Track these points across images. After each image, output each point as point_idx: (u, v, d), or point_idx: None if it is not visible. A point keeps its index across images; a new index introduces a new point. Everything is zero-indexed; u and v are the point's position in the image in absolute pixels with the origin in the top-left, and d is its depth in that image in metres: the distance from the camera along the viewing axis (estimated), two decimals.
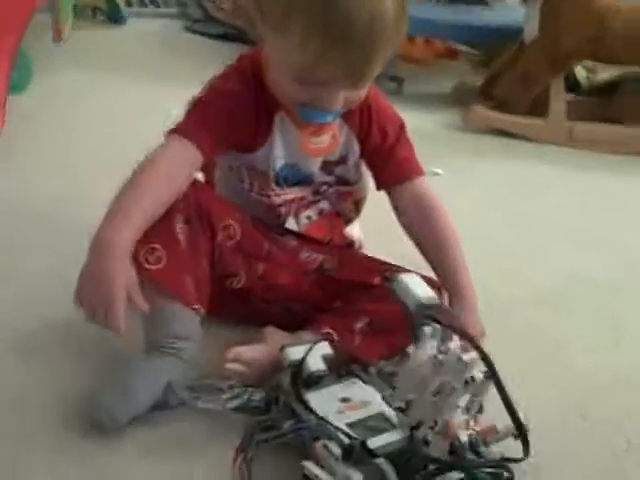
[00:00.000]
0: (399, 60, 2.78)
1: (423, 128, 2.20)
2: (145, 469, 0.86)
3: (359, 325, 1.04)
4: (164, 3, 3.18)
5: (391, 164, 1.12)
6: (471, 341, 0.79)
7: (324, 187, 1.13)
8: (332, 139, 1.04)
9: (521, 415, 0.80)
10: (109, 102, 2.08)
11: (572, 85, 2.42)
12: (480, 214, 1.67)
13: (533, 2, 2.17)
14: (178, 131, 0.99)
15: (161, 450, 0.89)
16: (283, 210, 1.11)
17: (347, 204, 1.18)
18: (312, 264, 1.12)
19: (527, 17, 2.21)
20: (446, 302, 1.07)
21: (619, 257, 1.55)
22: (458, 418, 0.78)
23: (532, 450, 0.82)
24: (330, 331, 1.02)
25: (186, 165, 0.98)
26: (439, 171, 1.83)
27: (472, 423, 0.80)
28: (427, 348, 0.82)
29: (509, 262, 1.47)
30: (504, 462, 0.80)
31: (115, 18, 2.92)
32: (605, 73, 2.46)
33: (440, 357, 0.79)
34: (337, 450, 0.79)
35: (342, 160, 1.12)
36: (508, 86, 2.24)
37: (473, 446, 0.78)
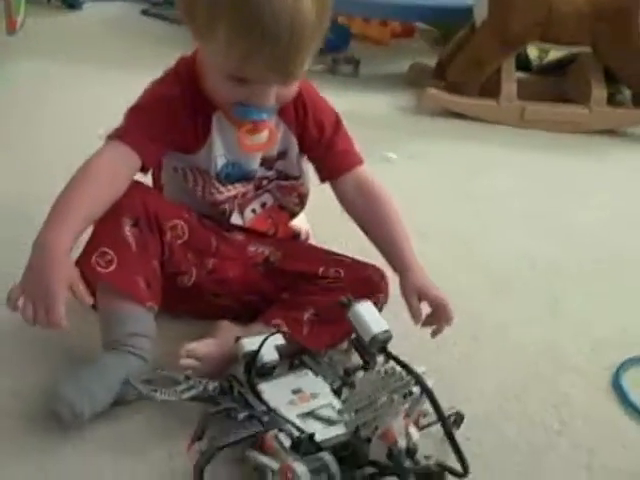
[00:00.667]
0: (355, 41, 2.83)
1: (378, 112, 2.25)
2: (106, 463, 0.91)
3: (306, 316, 1.09)
4: None
5: (331, 156, 1.16)
6: (414, 375, 0.87)
7: (265, 182, 1.17)
8: (270, 136, 1.07)
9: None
10: (68, 93, 2.08)
11: (524, 64, 2.48)
12: (432, 197, 1.72)
13: None
14: (116, 136, 1.03)
15: (120, 445, 0.93)
16: (227, 206, 1.15)
17: (291, 198, 1.22)
18: (259, 257, 1.17)
19: None
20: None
21: (565, 237, 1.62)
22: (398, 423, 0.84)
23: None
24: (279, 322, 1.08)
25: (124, 168, 1.02)
26: (393, 156, 1.89)
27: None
28: (376, 371, 0.89)
29: (460, 245, 1.53)
30: (446, 470, 0.86)
31: (70, 3, 2.90)
32: (557, 52, 2.52)
33: (387, 377, 0.86)
34: (287, 441, 0.85)
35: (282, 155, 1.16)
36: (460, 68, 2.28)
37: (410, 453, 0.83)
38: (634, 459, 1.02)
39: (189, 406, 0.96)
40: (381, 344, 0.94)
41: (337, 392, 0.97)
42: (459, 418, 0.96)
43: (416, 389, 0.85)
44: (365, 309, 0.98)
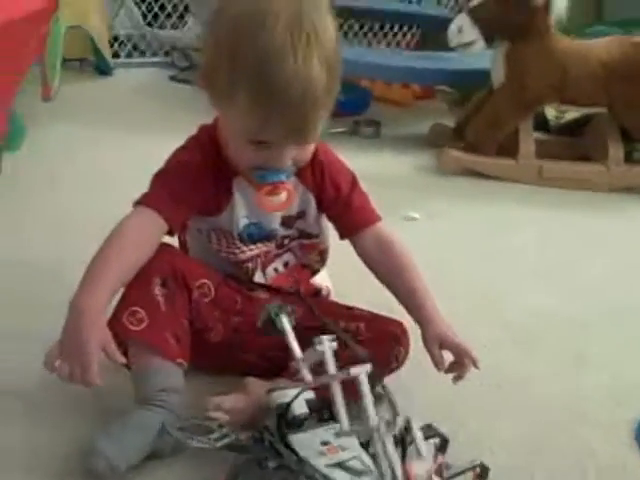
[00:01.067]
0: (377, 103, 2.91)
1: (399, 172, 2.32)
2: None
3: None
4: (150, 52, 3.29)
5: (349, 214, 1.21)
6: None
7: (287, 240, 1.23)
8: (288, 196, 1.12)
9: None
10: (102, 157, 2.16)
11: (542, 125, 2.54)
12: (454, 255, 1.76)
13: (498, 49, 2.29)
14: (143, 202, 1.09)
15: None
16: (250, 265, 1.20)
17: (312, 256, 1.27)
18: None
19: (493, 63, 2.33)
20: None
21: (584, 291, 1.65)
22: (419, 469, 0.87)
23: None
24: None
25: (152, 233, 1.08)
26: (416, 215, 1.94)
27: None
28: None
29: (481, 301, 1.56)
30: None
31: (102, 69, 3.02)
32: (573, 113, 2.57)
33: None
34: None
35: (301, 215, 1.21)
36: (478, 129, 2.34)
37: None
38: None
39: (220, 459, 0.98)
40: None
41: (365, 445, 1.00)
42: (484, 471, 0.97)
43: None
44: None
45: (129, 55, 3.25)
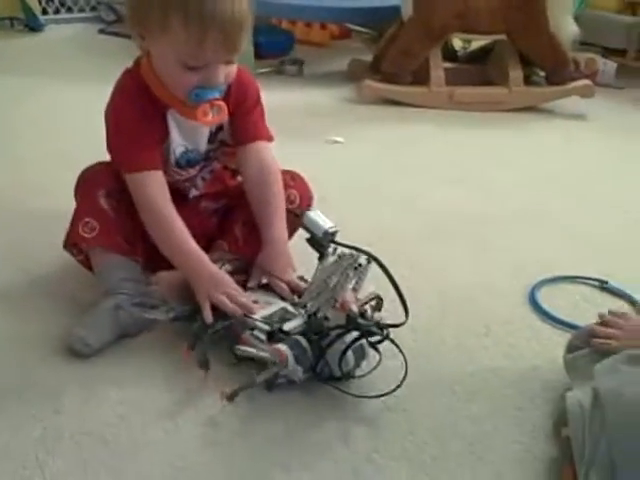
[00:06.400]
0: (299, 45, 3.10)
1: (323, 103, 2.52)
2: (117, 379, 1.13)
3: (237, 229, 1.33)
4: (78, 8, 3.39)
5: (246, 123, 1.32)
6: (360, 250, 1.09)
7: (211, 153, 1.36)
8: (222, 109, 1.23)
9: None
10: (47, 102, 2.34)
11: (450, 55, 2.77)
12: (379, 168, 1.99)
13: None
14: (131, 169, 1.23)
15: (130, 361, 1.16)
16: (187, 184, 1.37)
17: (233, 159, 1.38)
18: (211, 210, 1.40)
19: None
20: None
21: (488, 194, 1.90)
22: (349, 296, 1.08)
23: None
24: (221, 242, 1.33)
25: (162, 184, 1.23)
26: (340, 139, 2.15)
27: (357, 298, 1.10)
28: (329, 260, 1.12)
29: (403, 204, 1.79)
30: (390, 326, 1.11)
31: (33, 26, 3.12)
32: (478, 42, 2.82)
33: (339, 260, 1.08)
34: (262, 335, 1.09)
35: (220, 128, 1.32)
36: (392, 59, 2.55)
37: (362, 314, 1.08)
38: (546, 346, 1.26)
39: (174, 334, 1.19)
40: (331, 237, 1.17)
41: (283, 299, 1.20)
42: (380, 301, 1.17)
43: (364, 261, 1.07)
44: (314, 214, 1.20)
45: (57, 12, 3.34)
